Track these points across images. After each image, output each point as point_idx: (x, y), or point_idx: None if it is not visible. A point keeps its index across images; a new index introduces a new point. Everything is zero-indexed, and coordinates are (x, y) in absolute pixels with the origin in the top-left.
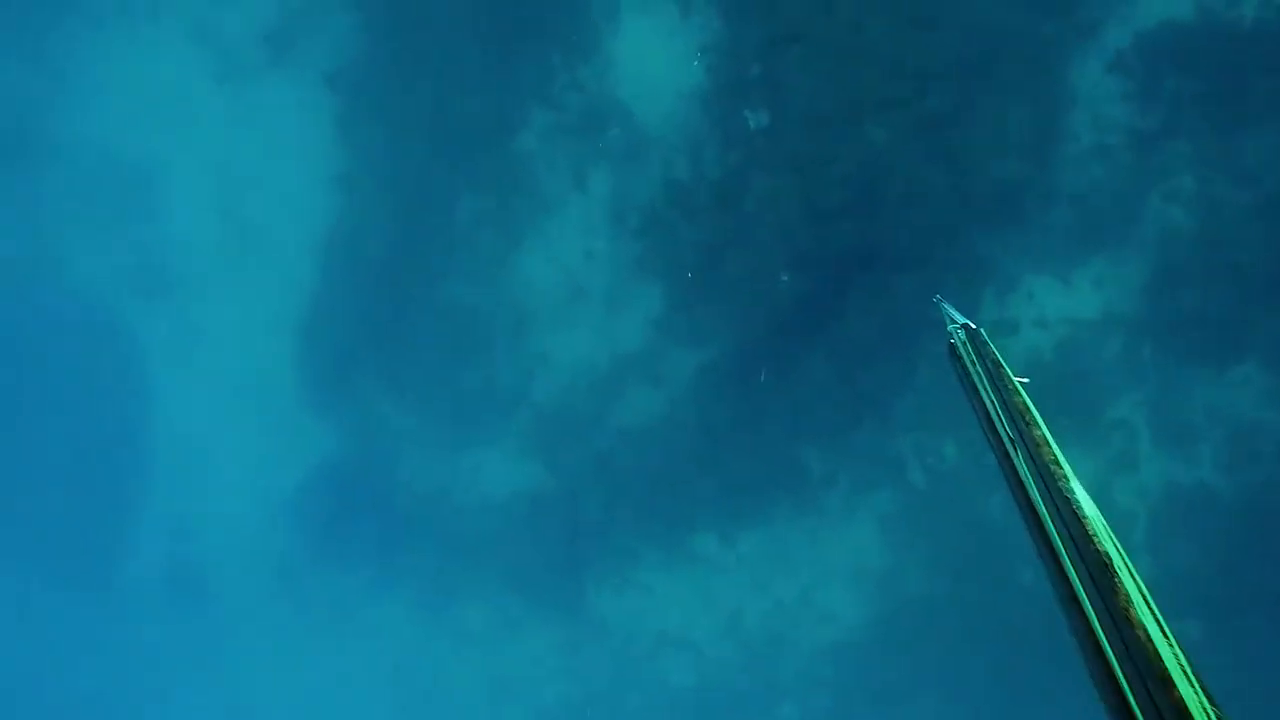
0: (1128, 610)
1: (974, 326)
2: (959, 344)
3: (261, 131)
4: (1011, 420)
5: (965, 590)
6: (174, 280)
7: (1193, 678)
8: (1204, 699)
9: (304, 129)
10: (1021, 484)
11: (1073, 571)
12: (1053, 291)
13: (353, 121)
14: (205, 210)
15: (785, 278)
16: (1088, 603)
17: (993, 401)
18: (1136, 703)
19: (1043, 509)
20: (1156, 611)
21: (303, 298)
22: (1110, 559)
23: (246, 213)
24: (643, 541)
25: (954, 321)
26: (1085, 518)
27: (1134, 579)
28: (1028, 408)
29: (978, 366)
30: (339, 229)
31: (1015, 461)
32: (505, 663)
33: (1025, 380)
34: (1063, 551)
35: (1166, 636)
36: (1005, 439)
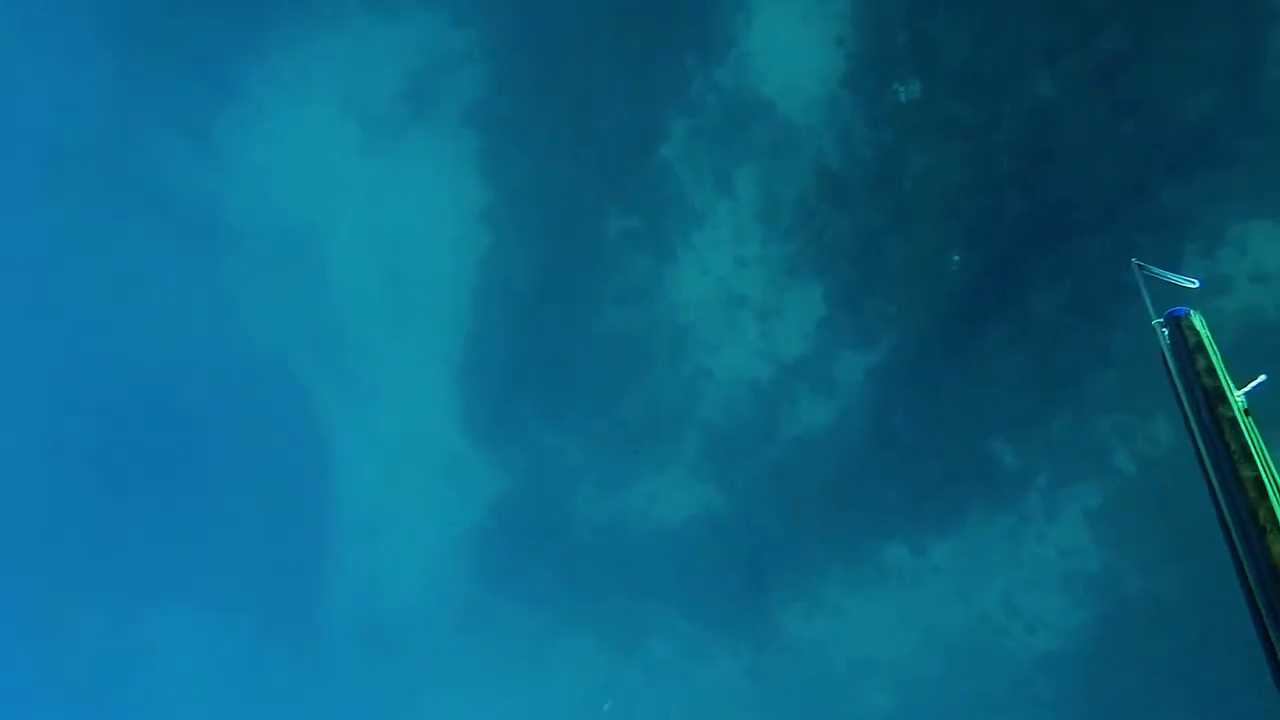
0: None
1: (1181, 311)
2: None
3: (410, 182)
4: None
5: (1195, 589)
6: (343, 340)
7: None
8: None
9: (447, 172)
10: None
11: None
12: (1270, 238)
13: (493, 156)
14: (365, 268)
15: (956, 258)
16: None
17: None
18: None
19: None
20: None
21: (460, 338)
22: None
23: (402, 264)
24: (828, 558)
25: (1161, 308)
26: None
27: None
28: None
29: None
30: (489, 265)
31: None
32: (697, 692)
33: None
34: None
35: None
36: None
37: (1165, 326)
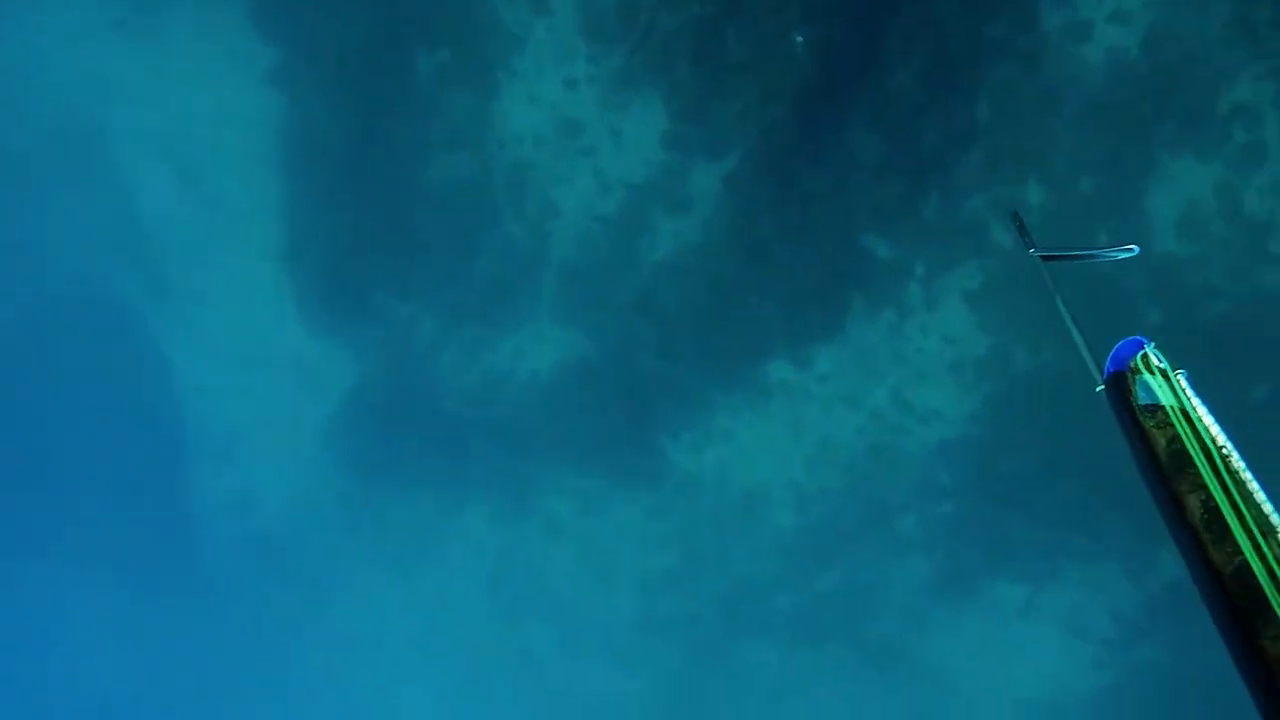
0: None
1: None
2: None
3: (180, 60)
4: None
5: (1097, 350)
6: (155, 249)
7: None
8: None
9: (219, 37)
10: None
11: None
12: None
13: (268, 6)
14: (156, 165)
15: (800, 39)
16: None
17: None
18: None
19: None
20: None
21: (275, 221)
22: None
23: (194, 152)
24: (711, 385)
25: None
26: None
27: None
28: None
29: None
30: (289, 133)
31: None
32: (601, 543)
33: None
34: None
35: None
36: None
37: (1116, 385)
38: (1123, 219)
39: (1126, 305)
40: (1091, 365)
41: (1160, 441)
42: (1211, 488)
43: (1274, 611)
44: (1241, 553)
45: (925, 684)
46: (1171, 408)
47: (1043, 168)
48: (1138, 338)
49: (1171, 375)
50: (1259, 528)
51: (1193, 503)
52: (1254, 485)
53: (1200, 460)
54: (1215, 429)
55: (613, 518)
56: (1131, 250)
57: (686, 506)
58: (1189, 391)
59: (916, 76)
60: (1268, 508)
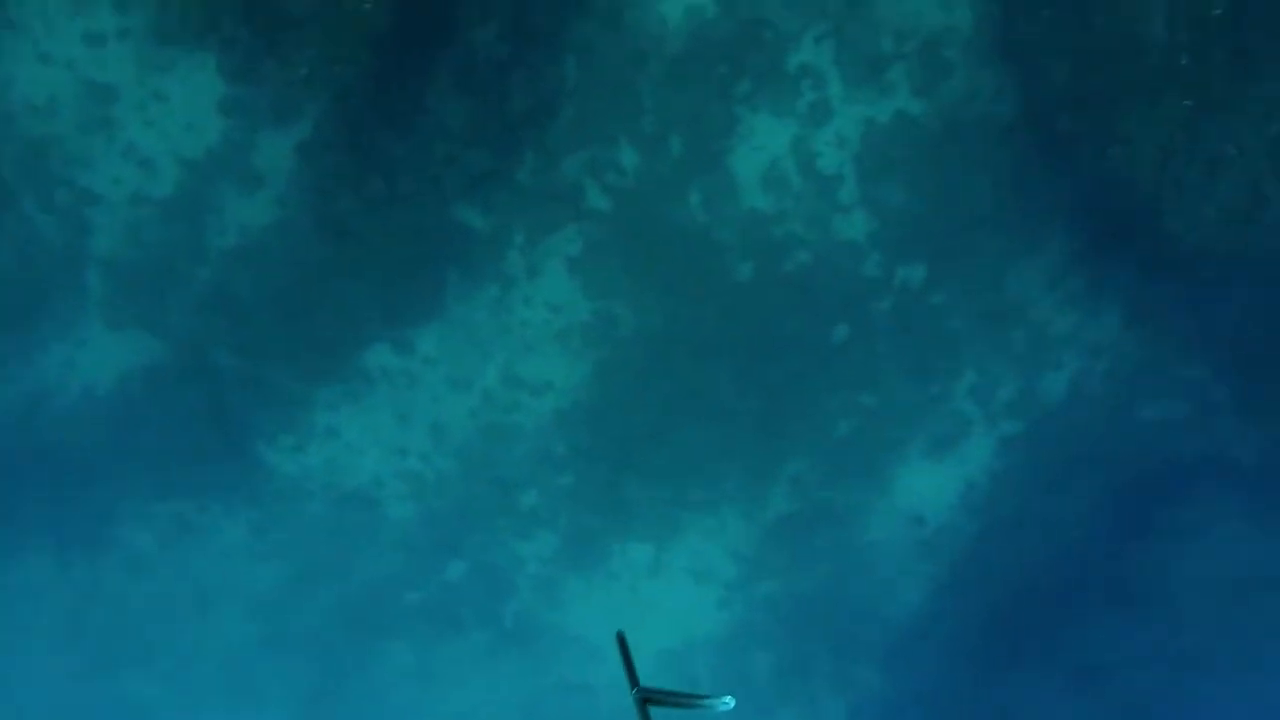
0: None
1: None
2: None
3: None
4: None
5: (691, 320)
6: None
7: None
8: None
9: None
10: None
11: None
12: None
13: None
14: None
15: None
16: None
17: None
18: None
19: None
20: None
21: None
22: None
23: None
24: (305, 380)
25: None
26: None
27: None
28: None
29: None
30: None
31: None
32: (200, 569)
33: None
34: None
35: None
36: None
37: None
38: (710, 176)
39: (719, 260)
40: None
41: None
42: None
43: None
44: None
45: (567, 654)
46: None
47: (633, 128)
48: None
49: None
50: None
51: None
52: None
53: None
54: None
55: (212, 540)
56: (728, 703)
57: (295, 514)
58: None
59: (499, 35)
60: None
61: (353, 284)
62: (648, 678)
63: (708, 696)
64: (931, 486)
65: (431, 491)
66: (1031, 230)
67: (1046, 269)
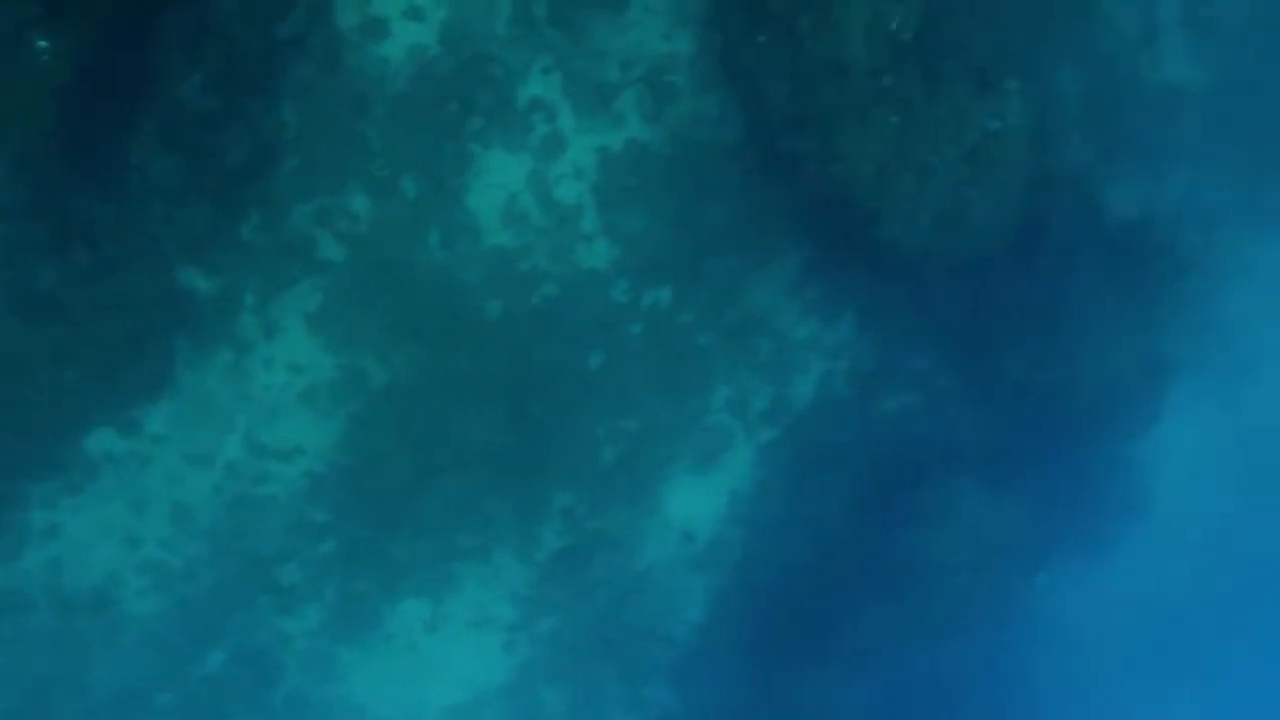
0: None
1: None
2: None
3: None
4: None
5: (438, 364)
6: None
7: None
8: None
9: None
10: None
11: None
12: None
13: None
14: None
15: (44, 44)
16: None
17: None
18: None
19: None
20: None
21: None
22: None
23: None
24: (16, 476)
25: None
26: None
27: None
28: None
29: None
30: None
31: None
32: None
33: None
34: None
35: None
36: None
37: None
38: (448, 216)
39: (465, 300)
40: None
41: None
42: None
43: None
44: None
45: None
46: None
47: (362, 173)
48: None
49: None
50: None
51: None
52: None
53: None
54: None
55: None
56: None
57: (16, 629)
58: None
59: (208, 83)
60: None
61: (65, 366)
62: None
63: None
64: (699, 502)
65: (179, 579)
66: (767, 245)
67: (784, 280)
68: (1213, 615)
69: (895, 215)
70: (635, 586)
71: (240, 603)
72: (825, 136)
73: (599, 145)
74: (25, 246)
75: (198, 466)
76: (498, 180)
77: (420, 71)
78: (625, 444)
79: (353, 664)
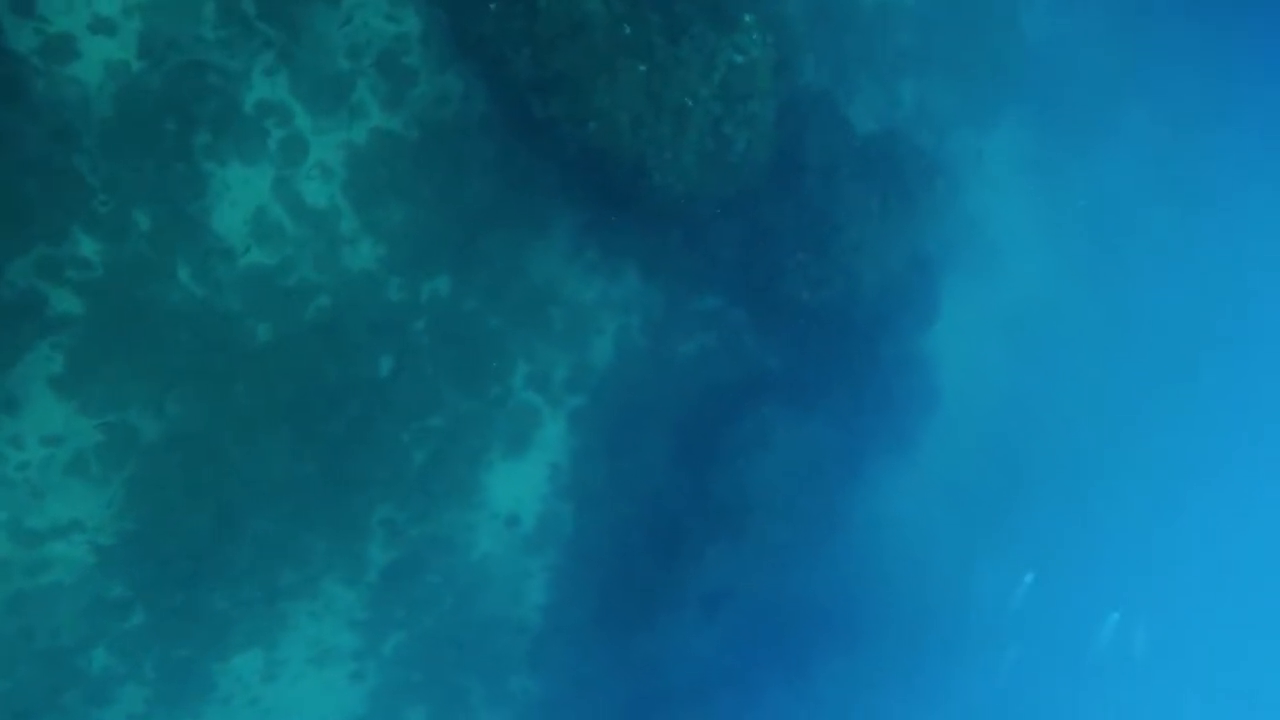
0: None
1: None
2: None
3: None
4: None
5: (225, 385)
6: None
7: None
8: None
9: None
10: None
11: None
12: None
13: None
14: None
15: None
16: None
17: None
18: None
19: None
20: None
21: None
22: None
23: None
24: None
25: None
26: None
27: None
28: None
29: None
30: None
31: None
32: None
33: None
34: None
35: None
36: None
37: None
38: (194, 244)
39: (231, 329)
40: None
41: None
42: None
43: None
44: None
45: None
46: None
47: (84, 213)
48: None
49: None
50: None
51: None
52: None
53: None
54: None
55: None
56: None
57: None
58: None
59: None
60: None
61: None
62: None
63: None
64: (520, 484)
65: None
66: (538, 214)
67: (562, 247)
68: (1005, 482)
69: (659, 162)
70: (474, 582)
71: (44, 704)
72: (576, 96)
73: (343, 141)
74: None
75: None
76: (241, 196)
77: (125, 90)
78: (434, 443)
79: None
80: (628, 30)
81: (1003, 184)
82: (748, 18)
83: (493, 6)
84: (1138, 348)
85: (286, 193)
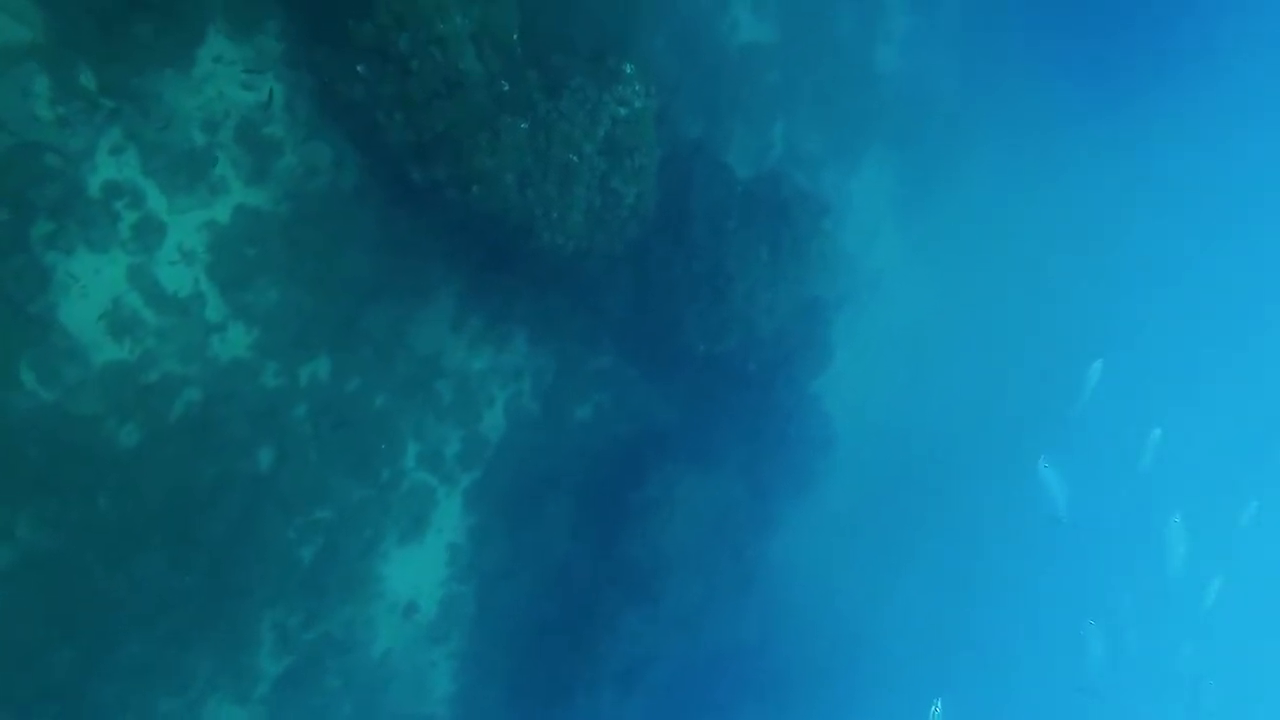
0: None
1: None
2: None
3: None
4: None
5: (87, 498)
6: None
7: None
8: None
9: None
10: None
11: None
12: None
13: None
14: None
15: None
16: None
17: None
18: None
19: None
20: None
21: None
22: None
23: None
24: None
25: None
26: None
27: None
28: None
29: None
30: None
31: None
32: None
33: None
34: None
35: None
36: None
37: None
38: (39, 345)
39: (90, 434)
40: None
41: None
42: None
43: None
44: None
45: None
46: None
47: None
48: None
49: None
50: None
51: None
52: None
53: None
54: None
55: None
56: None
57: None
58: None
59: None
60: None
61: None
62: None
63: None
64: (418, 570)
65: None
66: (420, 284)
67: (446, 316)
68: (906, 508)
69: (547, 222)
70: (376, 681)
71: None
72: (458, 158)
73: (204, 221)
74: None
75: None
76: (92, 288)
77: None
78: (323, 537)
79: None
80: (506, 87)
81: (875, 217)
82: (628, 68)
83: (360, 69)
84: (1018, 361)
85: (144, 281)
